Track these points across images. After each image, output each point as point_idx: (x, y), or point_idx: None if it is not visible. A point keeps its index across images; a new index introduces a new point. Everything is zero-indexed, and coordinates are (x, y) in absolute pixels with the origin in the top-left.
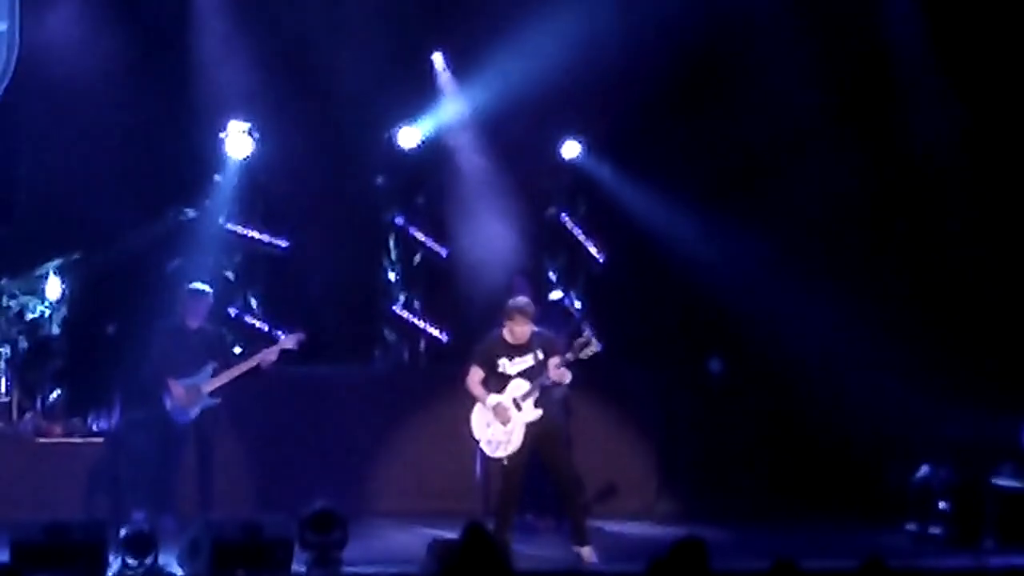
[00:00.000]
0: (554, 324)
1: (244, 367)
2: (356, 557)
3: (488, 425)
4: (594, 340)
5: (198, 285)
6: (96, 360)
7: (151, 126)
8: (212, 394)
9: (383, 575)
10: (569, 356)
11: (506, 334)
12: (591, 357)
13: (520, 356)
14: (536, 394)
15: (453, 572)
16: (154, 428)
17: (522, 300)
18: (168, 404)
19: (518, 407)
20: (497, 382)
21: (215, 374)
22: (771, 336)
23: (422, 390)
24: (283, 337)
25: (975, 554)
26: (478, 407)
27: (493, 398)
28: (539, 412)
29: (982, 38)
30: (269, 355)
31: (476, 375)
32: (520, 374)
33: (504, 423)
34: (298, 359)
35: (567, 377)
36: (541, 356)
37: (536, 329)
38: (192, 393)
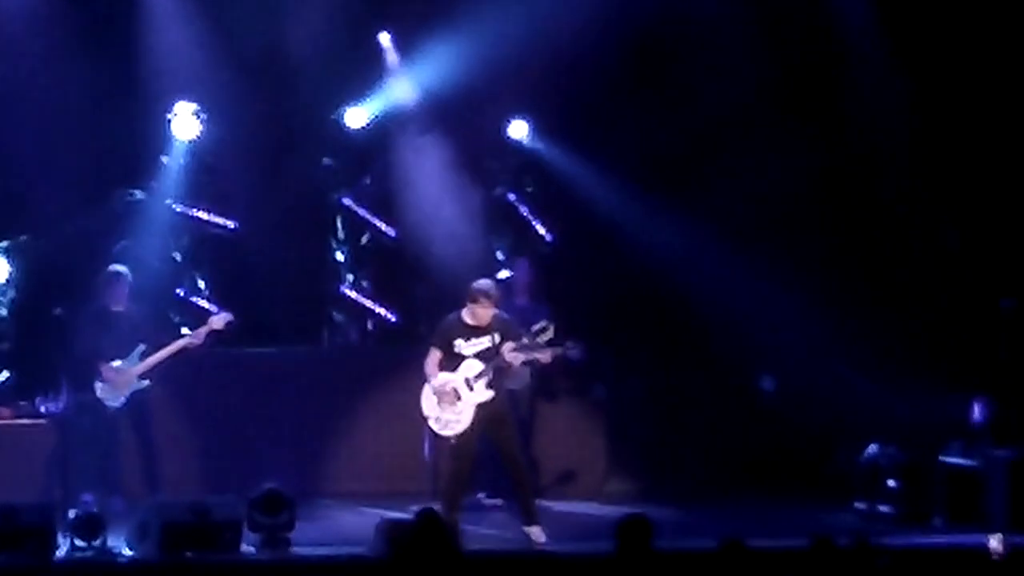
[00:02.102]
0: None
1: (172, 349)
2: (305, 538)
3: (438, 404)
4: (551, 326)
5: (116, 267)
6: (43, 343)
7: (98, 107)
8: (142, 376)
9: (332, 556)
10: (526, 341)
11: (466, 315)
12: (548, 343)
13: (477, 337)
14: (489, 375)
15: (405, 557)
16: (93, 411)
17: (487, 283)
18: (99, 388)
19: (470, 387)
20: (451, 362)
21: (144, 356)
22: (718, 317)
23: (371, 371)
24: (212, 318)
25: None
26: (429, 386)
27: (444, 376)
28: (491, 393)
29: (929, 16)
30: (196, 337)
31: (434, 356)
32: (475, 355)
33: (454, 403)
34: (246, 340)
35: (520, 360)
36: (498, 339)
37: (497, 312)
38: (122, 376)
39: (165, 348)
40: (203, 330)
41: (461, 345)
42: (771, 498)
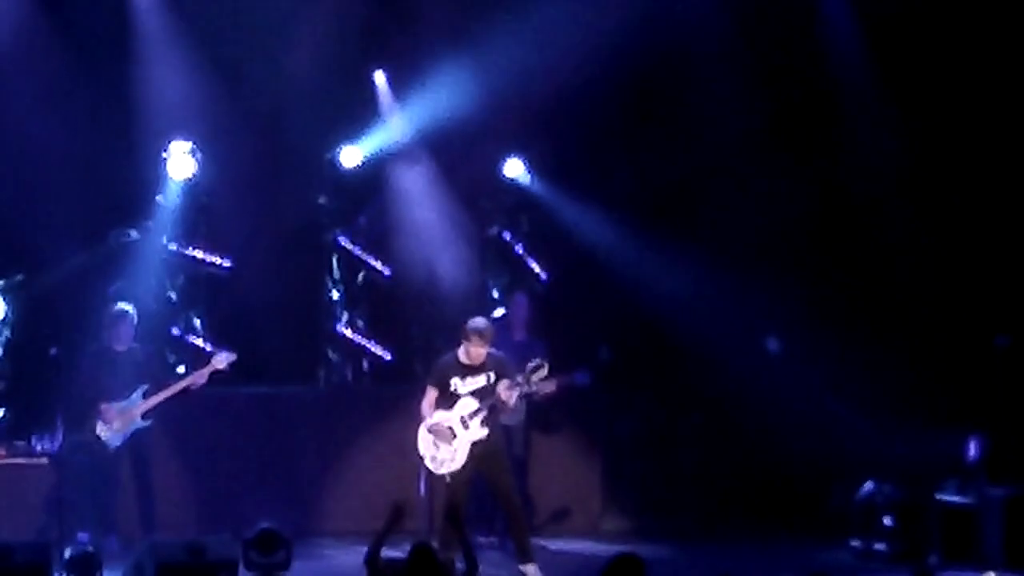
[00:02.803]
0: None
1: (175, 389)
2: None
3: (433, 442)
4: (545, 365)
5: (121, 306)
6: (39, 382)
7: (92, 146)
8: (144, 416)
9: None
10: (520, 379)
11: (461, 354)
12: (542, 381)
13: (472, 376)
14: (484, 413)
15: None
16: (90, 451)
17: (481, 322)
18: (99, 428)
19: (465, 425)
20: (447, 400)
21: (146, 396)
22: (714, 355)
23: (366, 409)
24: (214, 358)
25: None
26: (424, 424)
27: (440, 415)
28: (485, 431)
29: (922, 59)
30: (200, 377)
31: (430, 395)
32: (470, 393)
33: (449, 441)
34: (242, 379)
35: (514, 399)
36: (493, 377)
37: (492, 351)
38: (124, 416)
39: (168, 388)
40: (206, 370)
41: (457, 384)
42: (767, 536)
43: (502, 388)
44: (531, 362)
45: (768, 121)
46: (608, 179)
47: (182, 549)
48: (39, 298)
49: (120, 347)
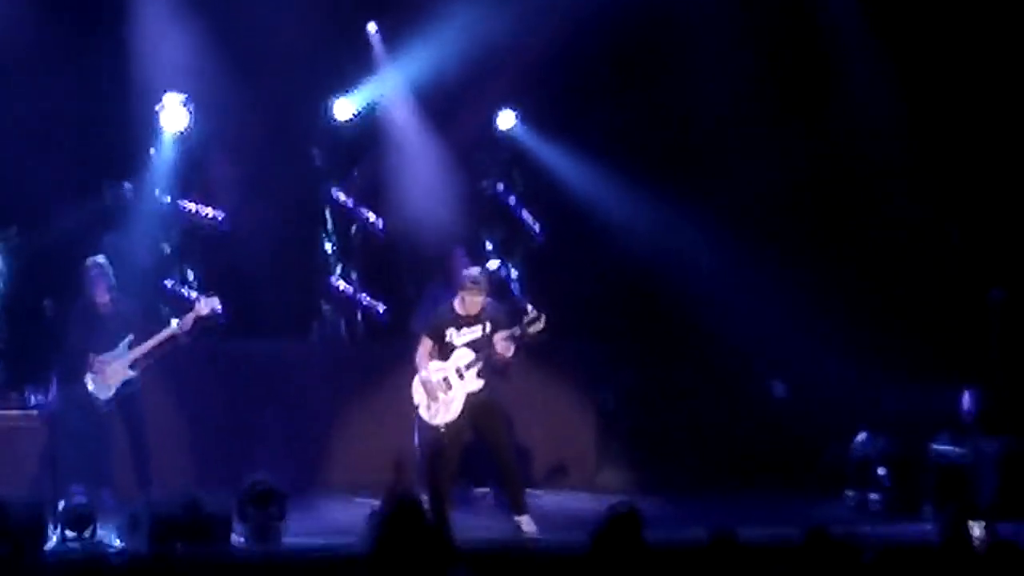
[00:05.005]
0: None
1: (160, 337)
2: (296, 530)
3: (429, 393)
4: (542, 316)
5: (94, 259)
6: (33, 336)
7: (86, 99)
8: (132, 366)
9: (323, 548)
10: (516, 331)
11: (457, 304)
12: (539, 333)
13: (468, 327)
14: (480, 365)
15: (383, 544)
16: (82, 404)
17: (476, 271)
18: (89, 381)
19: (460, 376)
20: (443, 351)
21: (132, 347)
22: (708, 309)
23: (360, 362)
24: (197, 304)
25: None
26: (419, 375)
27: (435, 365)
28: (481, 382)
29: (917, 13)
30: (184, 324)
31: (425, 346)
32: (466, 344)
33: (445, 391)
34: (235, 333)
35: (511, 350)
36: (489, 329)
37: (488, 301)
38: (112, 368)
39: (153, 337)
40: (189, 316)
41: (452, 334)
42: (762, 489)
43: (498, 339)
44: (527, 313)
45: (764, 74)
46: (602, 132)
47: (177, 502)
48: (33, 252)
49: (101, 300)
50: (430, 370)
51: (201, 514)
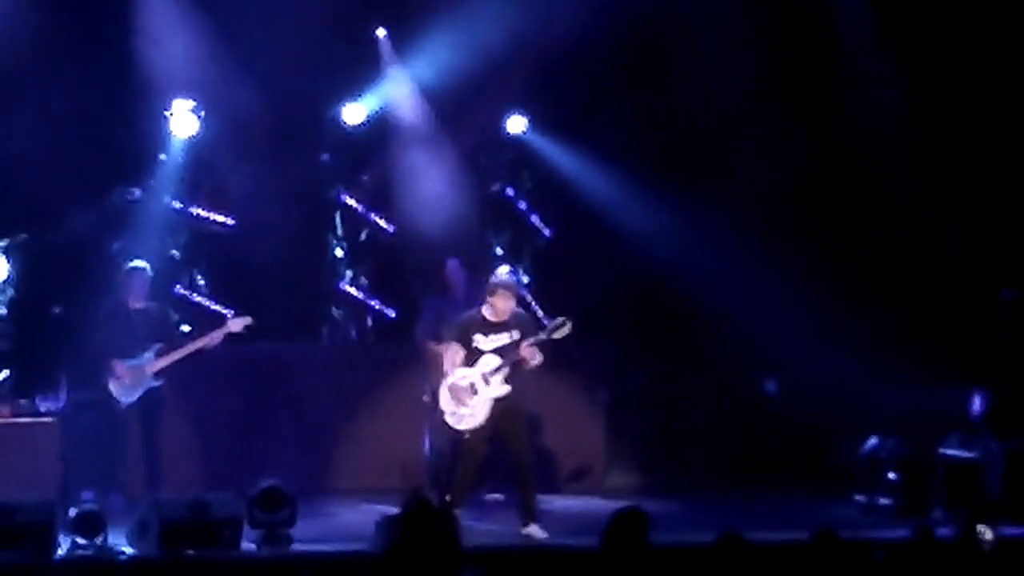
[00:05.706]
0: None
1: (188, 349)
2: (306, 535)
3: (456, 399)
4: (568, 323)
5: (137, 263)
6: (43, 341)
7: (95, 105)
8: (156, 375)
9: (333, 552)
10: (542, 336)
11: (486, 311)
12: (564, 339)
13: (496, 333)
14: (506, 370)
15: (397, 546)
16: (100, 409)
17: (506, 276)
18: (111, 385)
19: (486, 382)
20: (469, 356)
21: (159, 355)
22: (717, 310)
23: (370, 367)
24: (229, 320)
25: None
26: (446, 380)
27: (462, 371)
28: (507, 388)
29: (925, 10)
30: (214, 338)
31: (452, 351)
32: (493, 351)
33: (471, 397)
34: (245, 337)
35: (537, 357)
36: (516, 335)
37: (516, 309)
38: (136, 374)
39: (181, 348)
40: (220, 332)
41: (480, 340)
42: (771, 491)
43: (525, 346)
44: (553, 319)
45: (770, 75)
46: (610, 135)
47: (186, 507)
48: (42, 257)
49: (135, 304)
50: (457, 375)
51: (210, 518)
